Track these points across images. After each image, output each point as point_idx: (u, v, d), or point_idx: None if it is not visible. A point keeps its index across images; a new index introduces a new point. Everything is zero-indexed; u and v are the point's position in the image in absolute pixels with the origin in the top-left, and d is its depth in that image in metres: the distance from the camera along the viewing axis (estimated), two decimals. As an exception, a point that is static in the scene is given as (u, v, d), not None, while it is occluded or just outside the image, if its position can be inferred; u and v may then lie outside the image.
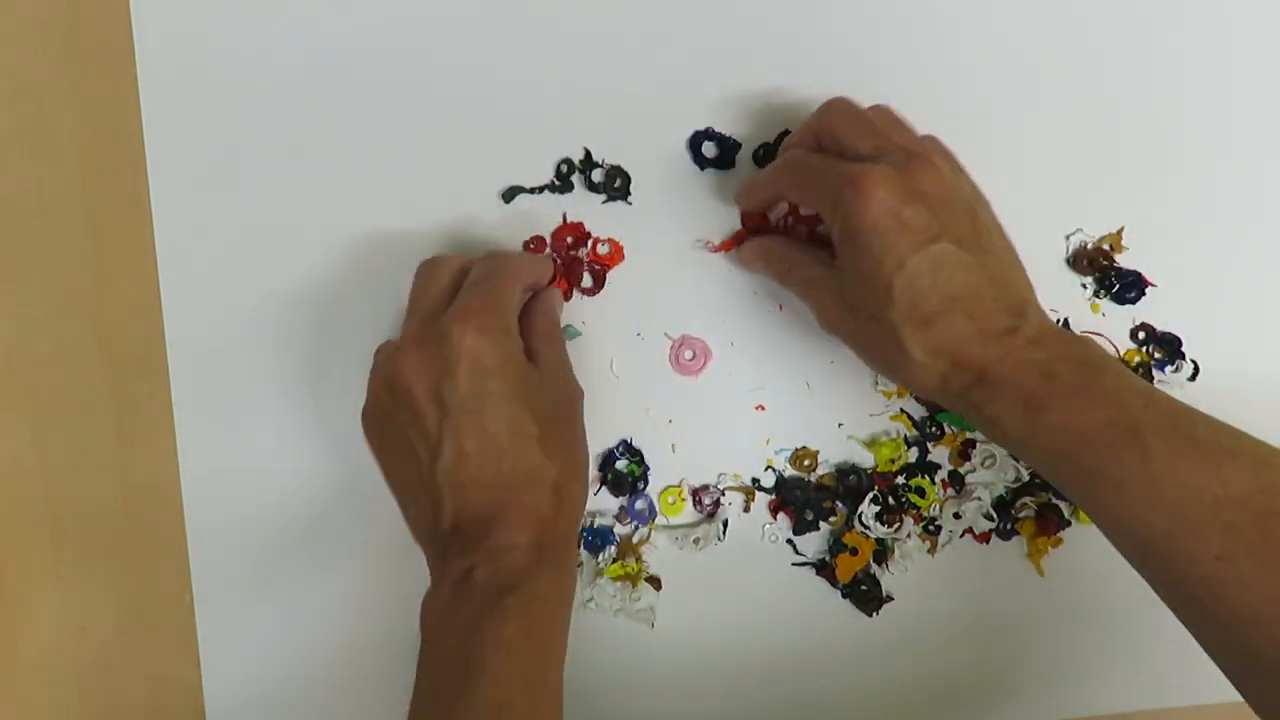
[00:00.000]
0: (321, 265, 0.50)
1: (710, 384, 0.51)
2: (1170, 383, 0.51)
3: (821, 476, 0.51)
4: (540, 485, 0.43)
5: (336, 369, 0.51)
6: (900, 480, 0.51)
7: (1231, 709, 0.52)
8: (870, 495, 0.50)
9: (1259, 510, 0.37)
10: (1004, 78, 0.51)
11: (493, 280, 0.44)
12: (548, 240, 0.51)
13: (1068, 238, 0.51)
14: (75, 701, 0.51)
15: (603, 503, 0.51)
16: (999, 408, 0.41)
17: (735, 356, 0.51)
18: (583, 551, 0.50)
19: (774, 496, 0.51)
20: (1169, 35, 0.52)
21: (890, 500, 0.51)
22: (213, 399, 0.50)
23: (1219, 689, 0.52)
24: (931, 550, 0.51)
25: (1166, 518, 0.38)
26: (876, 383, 0.51)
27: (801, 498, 0.51)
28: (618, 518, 0.51)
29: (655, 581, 0.51)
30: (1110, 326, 0.51)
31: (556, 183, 0.51)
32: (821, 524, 0.51)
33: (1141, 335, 0.51)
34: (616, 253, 0.51)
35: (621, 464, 0.51)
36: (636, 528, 0.51)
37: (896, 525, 0.50)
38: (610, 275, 0.51)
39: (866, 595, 0.51)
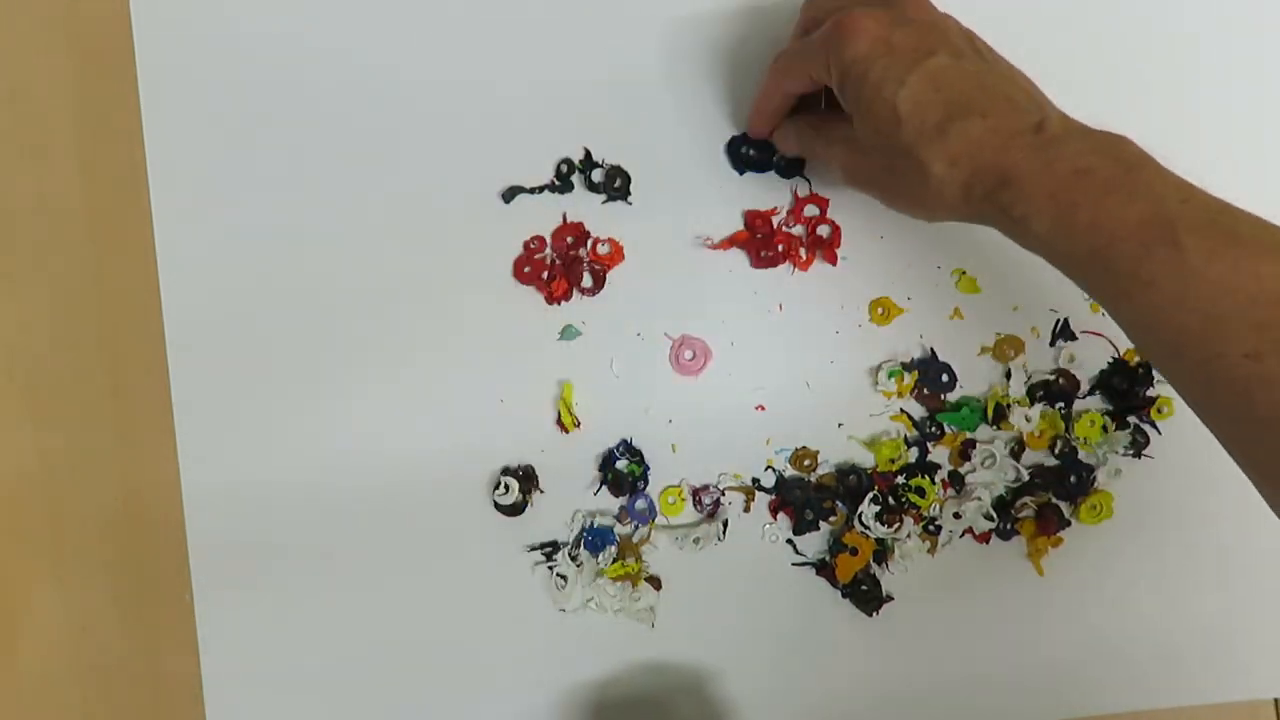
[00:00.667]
0: (321, 265, 0.50)
1: (710, 384, 0.51)
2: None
3: (821, 476, 0.51)
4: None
5: (337, 369, 0.51)
6: (900, 480, 0.51)
7: (1232, 709, 0.52)
8: (870, 495, 0.50)
9: None
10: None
11: None
12: (548, 240, 0.51)
13: (1068, 238, 0.51)
14: (75, 701, 0.51)
15: (603, 502, 0.51)
16: (1027, 207, 0.38)
17: (735, 356, 0.51)
18: (583, 551, 0.50)
19: (774, 496, 0.51)
20: (1169, 35, 0.52)
21: (890, 500, 0.51)
22: (213, 399, 0.50)
23: (1218, 689, 0.53)
24: (931, 550, 0.51)
25: (1198, 316, 0.36)
26: (876, 383, 0.51)
27: (801, 498, 0.51)
28: (618, 518, 0.51)
29: (655, 581, 0.51)
30: (1110, 326, 0.51)
31: (556, 183, 0.51)
32: (821, 524, 0.51)
33: (1141, 335, 0.51)
34: (616, 253, 0.51)
35: (621, 464, 0.51)
36: (636, 528, 0.51)
37: (896, 525, 0.50)
38: (610, 275, 0.51)
39: (866, 595, 0.51)
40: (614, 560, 0.51)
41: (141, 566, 0.51)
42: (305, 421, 0.51)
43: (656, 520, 0.51)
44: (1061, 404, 0.51)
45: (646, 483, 0.51)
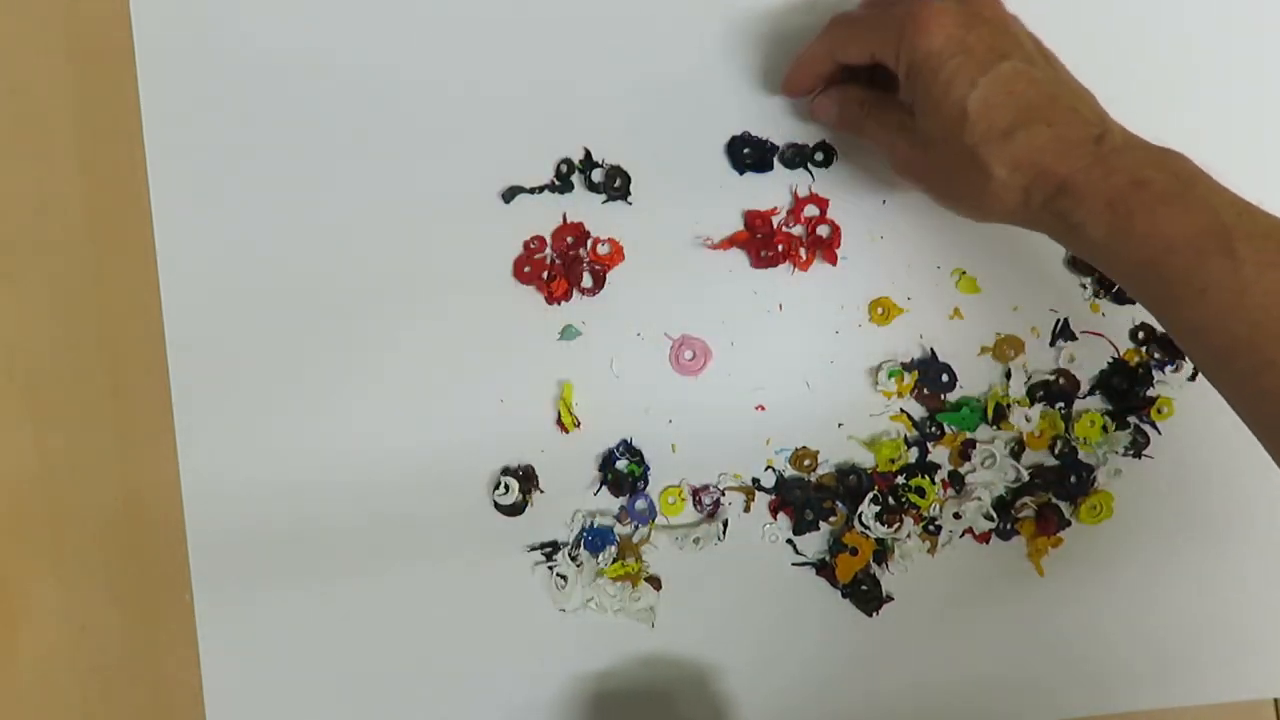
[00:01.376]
0: (321, 265, 0.50)
1: (710, 384, 0.51)
2: (1170, 382, 0.51)
3: (821, 476, 0.51)
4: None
5: (337, 369, 0.51)
6: (900, 480, 0.51)
7: (1231, 709, 0.52)
8: (870, 495, 0.50)
9: None
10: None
11: None
12: (548, 240, 0.51)
13: (1068, 238, 0.51)
14: (75, 701, 0.51)
15: (603, 502, 0.51)
16: (1084, 214, 0.39)
17: (735, 356, 0.51)
18: (583, 551, 0.50)
19: (774, 496, 0.51)
20: (1169, 35, 0.52)
21: (890, 500, 0.51)
22: (213, 399, 0.50)
23: (1218, 689, 0.53)
24: (931, 550, 0.51)
25: (1249, 325, 0.37)
26: (876, 383, 0.51)
27: (801, 498, 0.51)
28: (618, 518, 0.51)
29: (655, 581, 0.51)
30: (1110, 326, 0.51)
31: (556, 183, 0.51)
32: (821, 524, 0.51)
33: (1141, 335, 0.51)
34: (616, 253, 0.51)
35: (621, 464, 0.51)
36: (636, 528, 0.51)
37: (896, 525, 0.50)
38: (610, 275, 0.51)
39: (866, 595, 0.51)
40: (614, 560, 0.51)
41: (142, 566, 0.51)
42: (305, 421, 0.51)
43: (656, 520, 0.51)
44: (1061, 404, 0.51)
45: (646, 483, 0.51)
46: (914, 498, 0.50)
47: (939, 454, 0.51)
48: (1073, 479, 0.51)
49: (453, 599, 0.51)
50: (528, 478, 0.50)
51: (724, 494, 0.51)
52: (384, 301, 0.51)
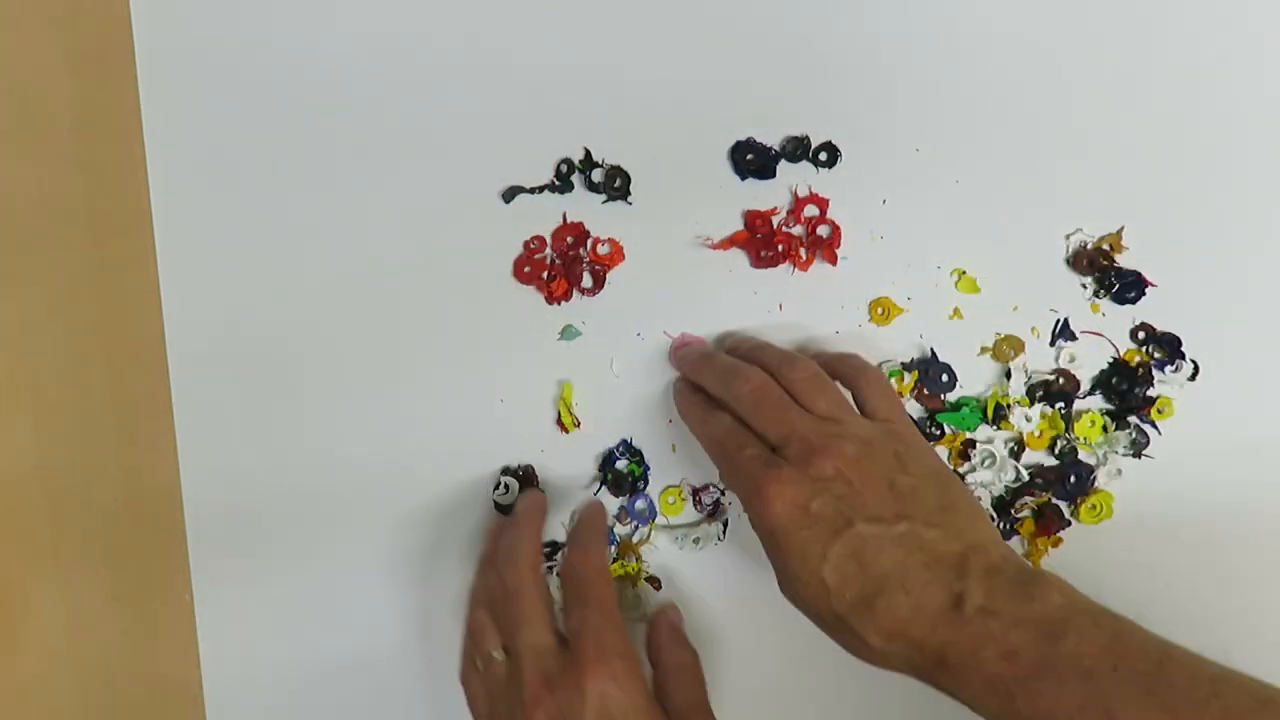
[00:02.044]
0: (321, 265, 0.51)
1: (710, 384, 0.51)
2: (1170, 382, 0.51)
3: None
4: None
5: (337, 369, 0.51)
6: None
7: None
8: None
9: None
10: (1006, 78, 0.51)
11: (593, 606, 0.44)
12: (548, 240, 0.51)
13: (1068, 238, 0.51)
14: (75, 701, 0.51)
15: (603, 503, 0.51)
16: (969, 694, 0.39)
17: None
18: None
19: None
20: (1169, 35, 0.52)
21: None
22: (213, 399, 0.51)
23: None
24: None
25: None
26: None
27: None
28: (618, 518, 0.51)
29: (655, 581, 0.51)
30: (1110, 326, 0.51)
31: (556, 183, 0.51)
32: None
33: (1141, 335, 0.51)
34: (616, 253, 0.51)
35: (621, 464, 0.51)
36: (636, 527, 0.51)
37: None
38: (610, 275, 0.51)
39: None
40: (614, 560, 0.51)
41: (141, 566, 0.51)
42: (305, 421, 0.51)
43: (656, 520, 0.51)
44: (1061, 404, 0.51)
45: (646, 482, 0.51)
46: None
47: (940, 453, 0.51)
48: (1072, 479, 0.51)
49: (454, 599, 0.51)
50: (528, 478, 0.50)
51: (724, 494, 0.51)
52: (384, 301, 0.51)
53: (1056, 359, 0.51)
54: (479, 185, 0.51)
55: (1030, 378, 0.51)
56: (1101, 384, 0.51)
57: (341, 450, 0.51)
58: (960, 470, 0.51)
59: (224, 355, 0.50)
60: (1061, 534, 0.52)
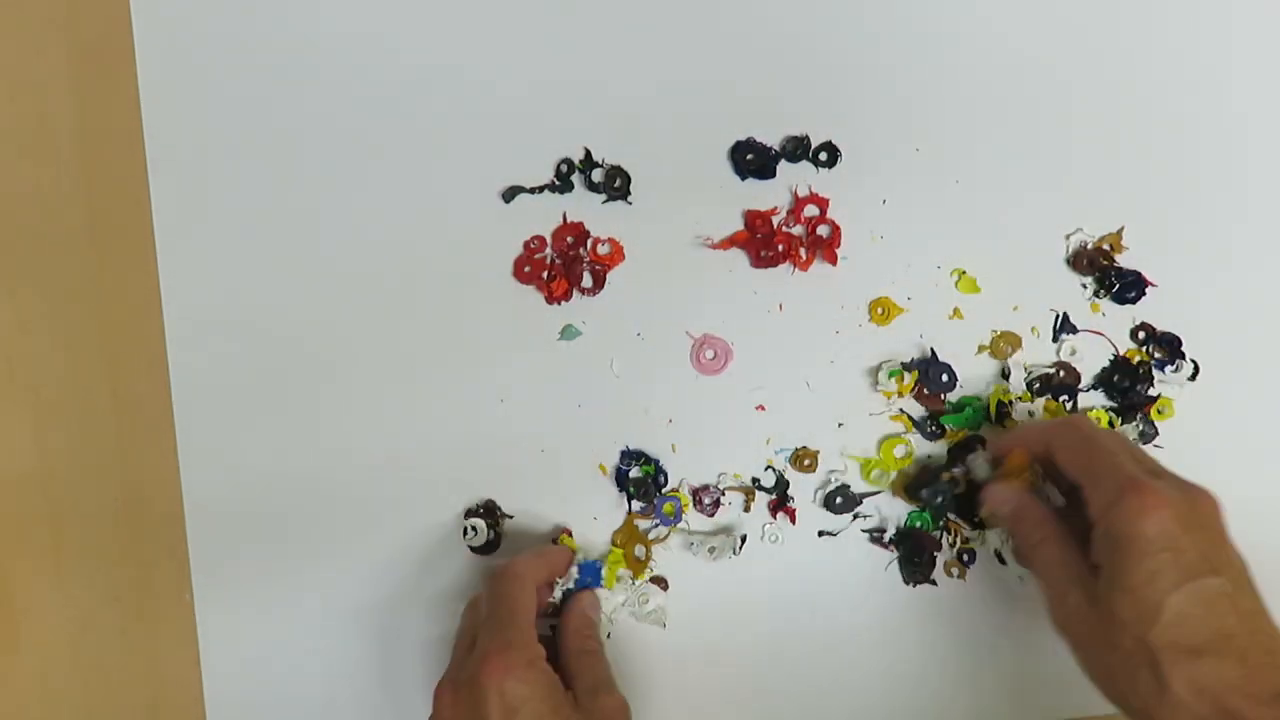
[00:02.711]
0: (321, 265, 0.51)
1: (710, 384, 0.51)
2: (1170, 382, 0.51)
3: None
4: None
5: (337, 368, 0.51)
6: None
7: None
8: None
9: None
10: (1006, 78, 0.51)
11: (504, 605, 0.44)
12: (548, 240, 0.51)
13: (1068, 238, 0.51)
14: (75, 701, 0.51)
15: (599, 507, 0.51)
16: None
17: (735, 356, 0.51)
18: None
19: (774, 496, 0.51)
20: (1168, 35, 0.52)
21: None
22: (213, 399, 0.50)
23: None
24: (962, 575, 0.51)
25: None
26: (876, 383, 0.51)
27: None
28: (643, 512, 0.51)
29: (661, 581, 0.51)
30: (1110, 326, 0.51)
31: (557, 183, 0.51)
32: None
33: (1141, 335, 0.51)
34: (617, 253, 0.51)
35: (635, 472, 0.50)
36: (656, 525, 0.51)
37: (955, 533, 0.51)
38: (610, 275, 0.51)
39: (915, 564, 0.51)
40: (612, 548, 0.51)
41: (142, 566, 0.51)
42: (305, 421, 0.51)
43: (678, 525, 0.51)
44: (1065, 397, 0.51)
45: (666, 478, 0.51)
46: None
47: (939, 448, 0.51)
48: None
49: (454, 598, 0.51)
50: (489, 513, 0.50)
51: (724, 494, 0.51)
52: (384, 301, 0.51)
53: (1058, 353, 0.51)
54: (479, 185, 0.51)
55: (1030, 372, 0.51)
56: (1103, 381, 0.51)
57: (341, 450, 0.51)
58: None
59: (224, 355, 0.50)
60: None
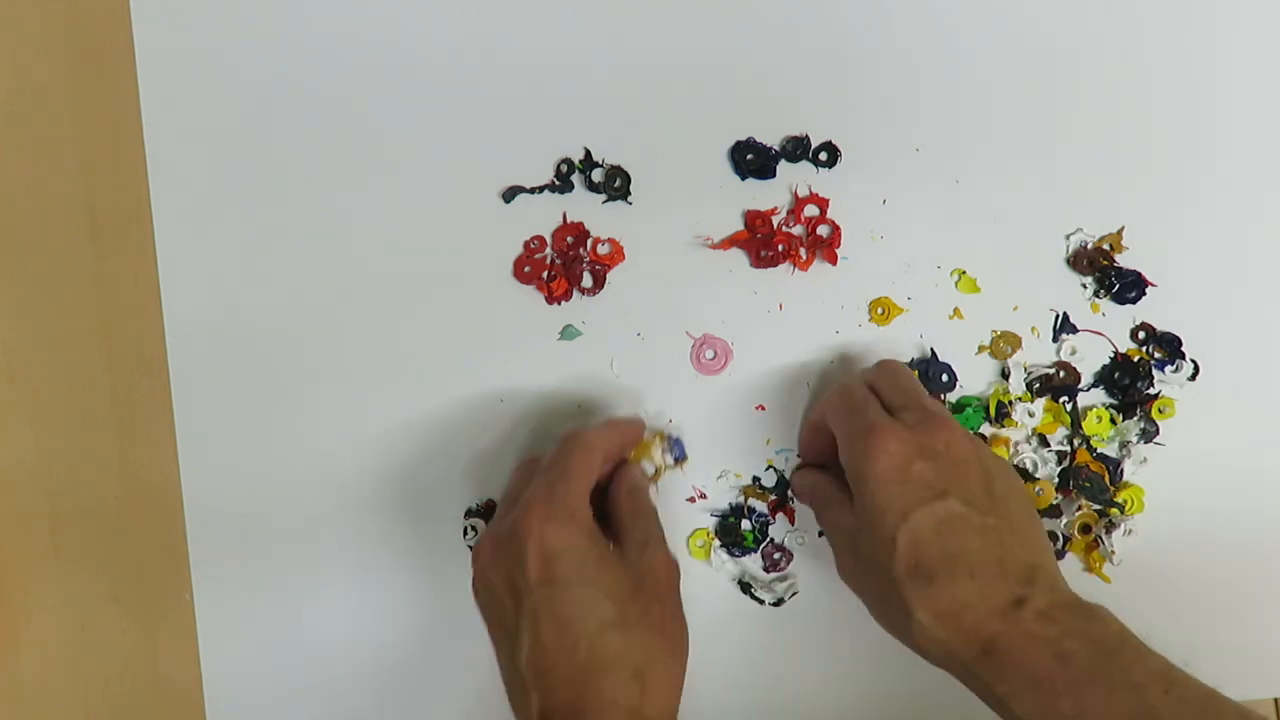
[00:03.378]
0: (321, 264, 0.51)
1: (710, 384, 0.51)
2: (1171, 382, 0.51)
3: None
4: (619, 674, 0.40)
5: (337, 368, 0.51)
6: None
7: (1232, 709, 0.52)
8: None
9: None
10: (1006, 78, 0.51)
11: (559, 464, 0.44)
12: (548, 240, 0.51)
13: (1068, 238, 0.51)
14: (75, 701, 0.51)
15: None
16: (1008, 688, 0.39)
17: (735, 356, 0.51)
18: None
19: (774, 496, 0.51)
20: (1168, 36, 0.52)
21: None
22: (212, 398, 0.51)
23: (1220, 688, 0.52)
24: None
25: None
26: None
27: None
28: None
29: None
30: (1110, 326, 0.51)
31: (557, 182, 0.51)
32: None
33: (1141, 335, 0.51)
34: (617, 252, 0.51)
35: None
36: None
37: None
38: (610, 275, 0.51)
39: None
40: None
41: (141, 566, 0.51)
42: (304, 421, 0.51)
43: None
44: (1065, 397, 0.51)
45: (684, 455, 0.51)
46: None
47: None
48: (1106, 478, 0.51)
49: (454, 600, 0.51)
50: (490, 514, 0.50)
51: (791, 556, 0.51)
52: (384, 301, 0.51)
53: (1058, 353, 0.51)
54: (479, 185, 0.51)
55: (1030, 372, 0.51)
56: (1103, 379, 0.51)
57: (341, 450, 0.51)
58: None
59: (223, 355, 0.51)
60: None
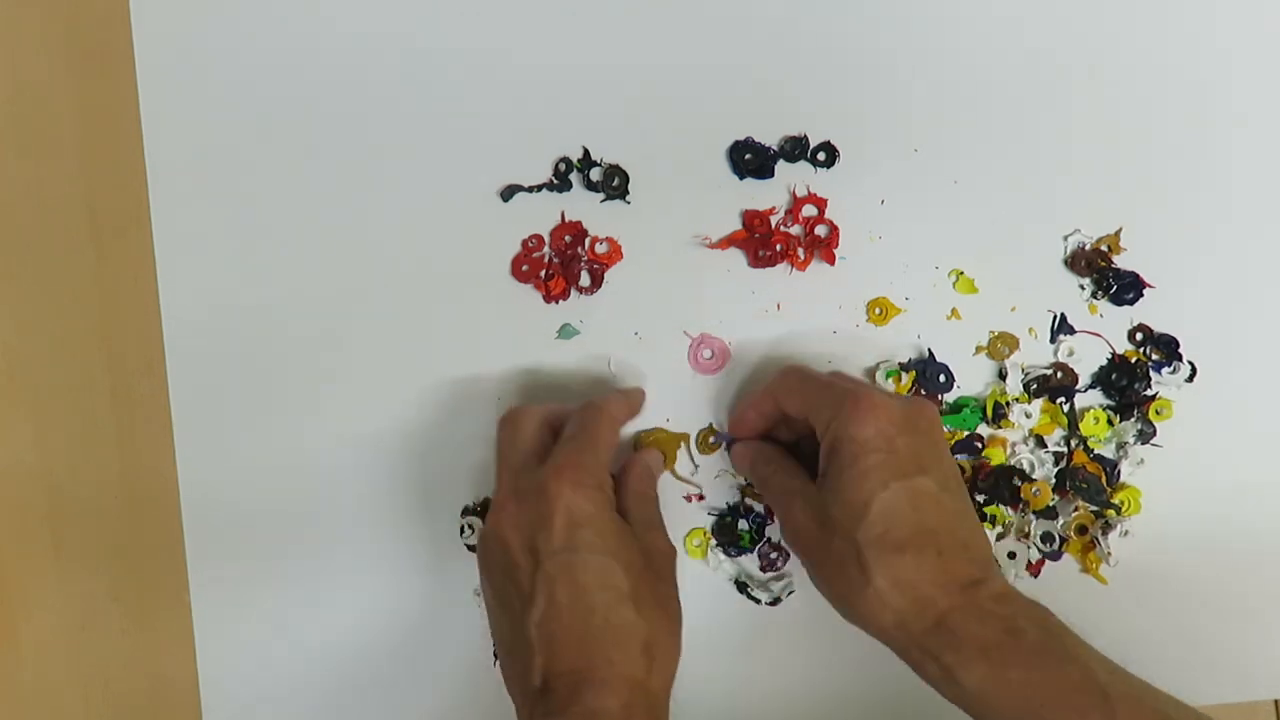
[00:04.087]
0: (320, 264, 0.51)
1: (708, 383, 0.51)
2: (1168, 383, 0.51)
3: None
4: (630, 644, 0.41)
5: (336, 368, 0.51)
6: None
7: (1231, 709, 0.52)
8: None
9: None
10: (1005, 79, 0.51)
11: (587, 432, 0.44)
12: (546, 239, 0.51)
13: (1066, 238, 0.51)
14: (75, 701, 0.51)
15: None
16: (957, 657, 0.39)
17: (733, 355, 0.51)
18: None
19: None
20: (1168, 35, 0.52)
21: None
22: (211, 398, 0.51)
23: (1218, 690, 0.53)
24: None
25: None
26: (874, 383, 0.51)
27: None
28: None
29: None
30: (1108, 327, 0.51)
31: (555, 181, 0.51)
32: None
33: (1139, 336, 0.51)
34: (615, 252, 0.51)
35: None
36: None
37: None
38: (608, 274, 0.51)
39: None
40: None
41: (140, 566, 0.51)
42: (303, 420, 0.51)
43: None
44: (1062, 399, 0.51)
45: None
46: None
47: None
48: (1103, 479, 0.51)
49: (454, 599, 0.51)
50: (486, 512, 0.50)
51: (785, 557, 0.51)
52: (383, 300, 0.51)
53: (1055, 354, 0.51)
54: (478, 184, 0.51)
55: (1027, 374, 0.51)
56: (1101, 380, 0.51)
57: (338, 449, 0.51)
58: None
59: (222, 355, 0.51)
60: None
